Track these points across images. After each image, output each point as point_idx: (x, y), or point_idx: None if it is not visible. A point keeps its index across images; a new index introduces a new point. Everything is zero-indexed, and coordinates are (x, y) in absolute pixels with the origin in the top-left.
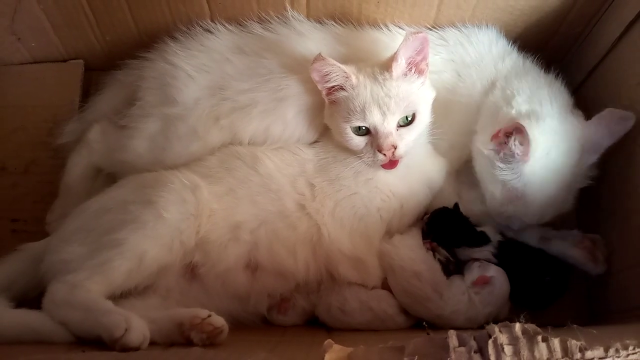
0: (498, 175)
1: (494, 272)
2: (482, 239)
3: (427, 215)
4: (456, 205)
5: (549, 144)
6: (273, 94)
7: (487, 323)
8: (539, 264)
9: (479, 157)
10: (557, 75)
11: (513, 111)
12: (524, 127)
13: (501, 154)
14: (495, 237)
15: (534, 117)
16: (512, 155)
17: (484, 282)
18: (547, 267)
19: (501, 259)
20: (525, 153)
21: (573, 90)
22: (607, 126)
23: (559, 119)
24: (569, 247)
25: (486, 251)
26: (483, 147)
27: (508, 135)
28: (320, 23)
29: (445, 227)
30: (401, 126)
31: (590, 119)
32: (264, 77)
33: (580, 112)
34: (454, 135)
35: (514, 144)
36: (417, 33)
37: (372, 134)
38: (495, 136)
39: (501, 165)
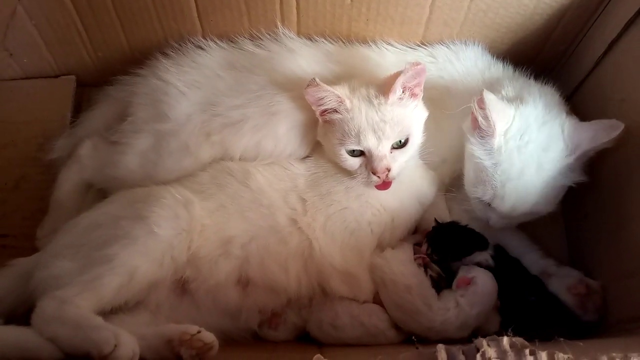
0: (471, 150)
1: (476, 272)
2: (484, 241)
3: (426, 248)
4: (436, 220)
5: (525, 127)
6: (264, 110)
7: (478, 329)
8: (527, 282)
9: (464, 140)
10: (546, 83)
11: (499, 96)
12: (483, 95)
13: (476, 131)
14: (490, 240)
15: (517, 101)
16: (483, 129)
17: (465, 283)
18: (535, 288)
19: (497, 263)
20: (488, 123)
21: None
22: (595, 130)
23: (543, 110)
24: (563, 291)
25: (486, 254)
26: (464, 126)
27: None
28: (311, 40)
29: (450, 242)
30: (394, 148)
31: None
32: (255, 93)
33: (575, 117)
34: (445, 149)
35: (479, 114)
36: (416, 65)
37: (366, 156)
38: (472, 113)
39: (473, 140)
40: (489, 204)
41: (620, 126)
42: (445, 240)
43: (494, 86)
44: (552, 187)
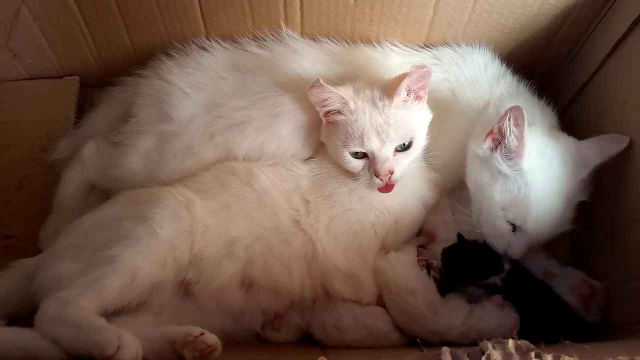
0: (499, 169)
1: (510, 307)
2: (500, 266)
3: (440, 264)
4: (460, 236)
5: (542, 147)
6: (268, 111)
7: (480, 339)
8: (537, 292)
9: (474, 161)
10: (548, 103)
11: None
12: (520, 107)
13: (498, 151)
14: (506, 265)
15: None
16: (509, 150)
17: (497, 302)
18: (545, 296)
19: (505, 283)
20: (520, 142)
21: (564, 107)
22: (600, 145)
23: (549, 130)
24: (566, 292)
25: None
26: (478, 148)
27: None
28: (315, 40)
29: (466, 264)
30: (398, 151)
31: (580, 137)
32: (259, 94)
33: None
34: (447, 153)
35: (509, 128)
36: (422, 68)
37: (370, 158)
38: (490, 133)
39: (500, 158)
40: (514, 230)
41: (627, 140)
42: (461, 262)
43: (497, 107)
44: (572, 204)
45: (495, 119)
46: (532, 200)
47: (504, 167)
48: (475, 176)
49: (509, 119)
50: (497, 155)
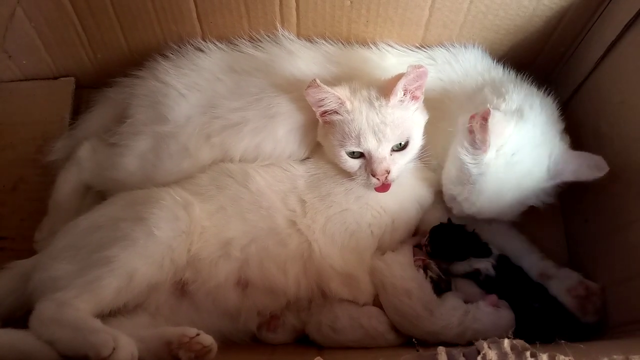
0: (459, 154)
1: (505, 307)
2: (486, 250)
3: (427, 237)
4: (449, 220)
5: (519, 147)
6: (264, 112)
7: (476, 339)
8: (531, 288)
9: (458, 133)
10: (548, 94)
11: (503, 105)
12: (489, 114)
13: (469, 138)
14: (495, 250)
15: (518, 115)
16: (475, 142)
17: (493, 303)
18: (539, 295)
19: (499, 273)
20: (484, 142)
21: (559, 109)
22: (579, 164)
23: (541, 130)
24: (562, 293)
25: (487, 262)
26: (461, 125)
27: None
28: (311, 42)
29: (450, 242)
30: (394, 150)
31: (575, 137)
32: (255, 96)
33: (568, 138)
34: (443, 152)
35: (478, 129)
36: (418, 68)
37: (366, 158)
38: (471, 117)
39: (466, 144)
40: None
41: (605, 169)
42: (445, 239)
43: (497, 87)
44: (521, 204)
45: (494, 96)
46: (477, 189)
47: (465, 153)
48: (454, 144)
49: (476, 120)
50: (465, 140)
